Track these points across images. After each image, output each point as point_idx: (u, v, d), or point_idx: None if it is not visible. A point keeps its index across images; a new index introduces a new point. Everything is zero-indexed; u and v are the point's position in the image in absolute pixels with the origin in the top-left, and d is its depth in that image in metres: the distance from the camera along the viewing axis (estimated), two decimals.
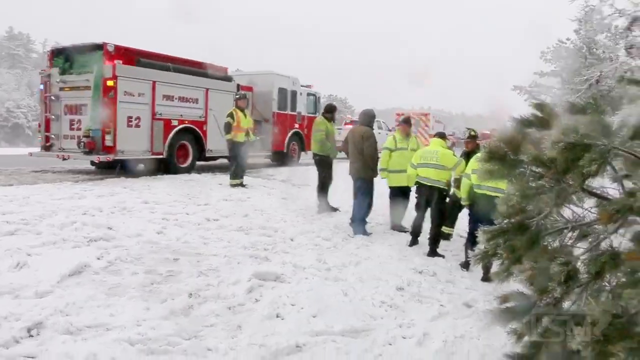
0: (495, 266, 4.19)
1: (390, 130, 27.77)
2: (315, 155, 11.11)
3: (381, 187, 9.77)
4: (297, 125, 20.31)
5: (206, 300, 5.32)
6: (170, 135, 14.48)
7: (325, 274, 6.56)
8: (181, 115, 14.88)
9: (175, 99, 14.71)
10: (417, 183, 8.45)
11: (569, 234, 3.78)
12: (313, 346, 4.54)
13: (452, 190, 8.36)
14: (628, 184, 3.56)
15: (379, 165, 9.52)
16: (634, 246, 3.29)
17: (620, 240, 3.47)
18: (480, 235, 4.09)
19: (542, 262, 3.48)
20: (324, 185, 10.77)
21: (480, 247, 4.04)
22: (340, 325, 4.96)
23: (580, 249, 3.66)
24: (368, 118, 9.60)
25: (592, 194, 3.59)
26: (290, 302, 5.42)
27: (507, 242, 3.73)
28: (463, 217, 8.62)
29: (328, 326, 4.94)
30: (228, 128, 12.71)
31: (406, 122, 10.00)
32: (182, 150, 15.10)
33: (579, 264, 3.51)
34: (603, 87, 20.25)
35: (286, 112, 19.84)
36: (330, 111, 11.28)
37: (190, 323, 4.78)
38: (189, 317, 4.91)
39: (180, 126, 14.81)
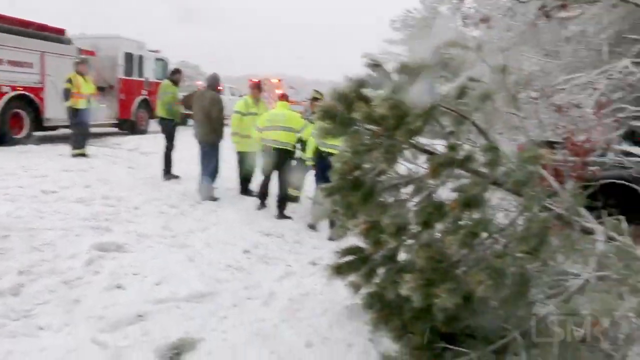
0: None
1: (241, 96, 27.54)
2: (162, 119, 10.75)
3: (229, 151, 9.66)
4: (144, 92, 19.47)
5: (40, 276, 4.96)
6: (0, 103, 13.27)
7: (171, 241, 6.41)
8: (13, 81, 13.66)
9: (5, 62, 13.46)
10: (263, 146, 8.44)
11: (405, 189, 3.99)
12: (156, 314, 4.42)
13: (298, 152, 8.48)
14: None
15: (230, 129, 9.41)
16: (456, 197, 3.53)
17: (446, 192, 3.71)
18: (318, 193, 4.21)
19: (375, 216, 3.63)
20: (170, 151, 10.48)
21: (319, 204, 4.17)
22: (185, 291, 4.88)
23: (414, 203, 3.88)
24: (214, 82, 9.41)
25: (420, 149, 3.78)
26: (132, 272, 5.23)
27: (343, 198, 3.85)
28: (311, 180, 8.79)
29: (173, 293, 4.84)
30: (67, 94, 11.90)
31: (257, 87, 9.93)
32: (16, 120, 13.89)
33: (410, 216, 3.72)
34: (446, 54, 21.52)
35: (133, 78, 18.93)
36: (175, 74, 11.00)
37: (21, 302, 4.43)
38: (19, 296, 4.55)
39: (13, 93, 13.60)
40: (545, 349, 3.56)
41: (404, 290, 3.44)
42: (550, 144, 8.22)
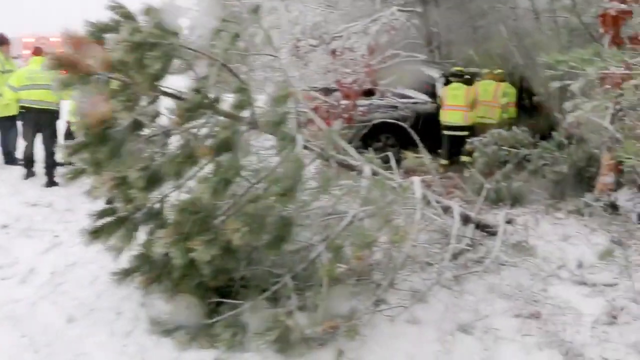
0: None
1: (15, 58, 24.68)
2: None
3: None
4: None
5: None
6: None
7: None
8: None
9: None
10: (22, 107, 7.49)
11: (163, 140, 3.70)
12: None
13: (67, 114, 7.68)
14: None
15: None
16: (208, 143, 3.33)
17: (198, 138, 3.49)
18: (61, 152, 3.77)
19: (121, 171, 3.31)
20: None
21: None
22: None
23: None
24: None
25: (167, 94, 3.51)
26: None
27: (91, 155, 3.47)
28: None
29: None
30: None
31: (4, 42, 8.57)
32: None
33: (161, 167, 3.45)
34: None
35: None
36: None
37: None
38: None
39: None
40: (316, 290, 3.56)
41: (158, 248, 3.21)
42: (329, 90, 8.42)
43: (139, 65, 3.13)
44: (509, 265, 4.85)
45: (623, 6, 4.90)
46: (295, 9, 19.10)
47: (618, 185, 6.40)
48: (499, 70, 9.69)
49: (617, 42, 5.79)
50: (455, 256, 4.89)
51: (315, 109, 5.94)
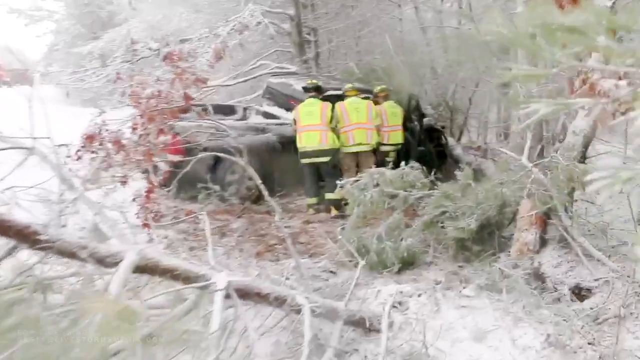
0: None
1: None
2: None
3: None
4: None
5: None
6: None
7: None
8: None
9: None
10: None
11: None
12: None
13: None
14: None
15: None
16: None
17: None
18: None
19: None
20: None
21: None
22: None
23: None
24: None
25: None
26: None
27: None
28: None
29: None
30: None
31: None
32: None
33: None
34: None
35: None
36: None
37: None
38: None
39: None
40: None
41: None
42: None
43: None
44: None
45: None
46: (160, 13, 17.25)
47: (542, 242, 4.62)
48: (382, 86, 8.03)
49: None
50: None
51: (90, 139, 3.69)
